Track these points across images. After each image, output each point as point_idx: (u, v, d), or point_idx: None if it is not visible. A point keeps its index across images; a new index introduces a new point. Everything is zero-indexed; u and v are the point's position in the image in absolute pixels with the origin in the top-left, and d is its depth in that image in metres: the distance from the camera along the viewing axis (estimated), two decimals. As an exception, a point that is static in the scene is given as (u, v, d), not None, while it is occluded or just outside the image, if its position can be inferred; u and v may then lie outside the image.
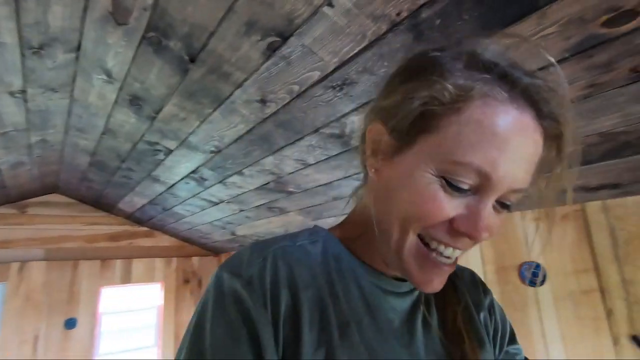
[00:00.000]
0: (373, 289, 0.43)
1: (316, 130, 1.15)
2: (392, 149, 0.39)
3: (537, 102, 0.34)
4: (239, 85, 1.03)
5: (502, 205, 0.37)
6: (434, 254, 0.37)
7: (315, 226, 0.48)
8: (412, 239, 0.37)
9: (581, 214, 1.17)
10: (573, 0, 0.59)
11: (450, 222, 0.35)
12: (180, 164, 1.68)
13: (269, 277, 0.37)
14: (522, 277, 1.27)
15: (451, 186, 0.34)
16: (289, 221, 2.05)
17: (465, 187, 0.34)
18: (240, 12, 0.78)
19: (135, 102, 1.25)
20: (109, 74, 1.12)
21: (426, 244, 0.38)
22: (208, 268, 3.33)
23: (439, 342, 0.44)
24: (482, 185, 0.34)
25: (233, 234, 2.60)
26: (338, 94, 0.96)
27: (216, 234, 2.73)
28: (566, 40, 0.66)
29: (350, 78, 0.90)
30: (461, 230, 0.35)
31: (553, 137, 0.36)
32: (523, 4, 0.62)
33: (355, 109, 1.00)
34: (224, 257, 3.32)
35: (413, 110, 0.36)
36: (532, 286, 1.25)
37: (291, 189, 1.64)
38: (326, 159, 1.30)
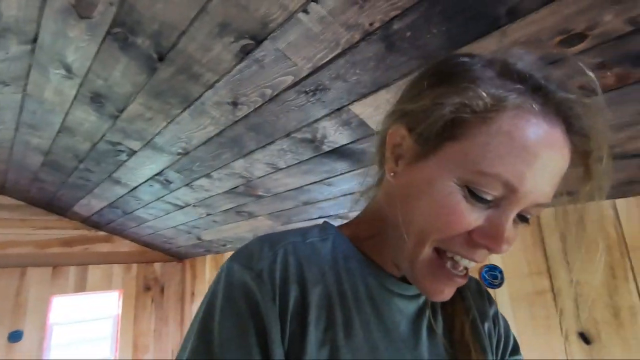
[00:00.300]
0: (381, 290, 0.42)
1: (288, 135, 1.14)
2: (415, 154, 0.38)
3: (569, 117, 0.34)
4: (210, 87, 1.01)
5: (521, 218, 0.36)
6: (449, 264, 0.37)
7: (325, 222, 0.48)
8: (427, 251, 0.37)
9: (536, 219, 1.25)
10: (530, 21, 0.64)
11: (469, 233, 0.34)
12: (144, 166, 1.61)
13: (279, 272, 0.37)
14: (483, 279, 1.33)
15: (474, 196, 0.33)
16: (258, 226, 2.02)
17: (489, 198, 0.33)
18: (213, 13, 0.77)
19: (96, 99, 1.18)
20: (68, 68, 1.06)
21: (442, 252, 0.37)
22: (171, 274, 3.20)
23: (442, 349, 0.44)
24: (507, 197, 0.33)
25: (199, 238, 2.52)
26: (311, 99, 0.97)
27: (181, 238, 2.63)
28: (524, 57, 0.71)
29: (323, 84, 0.91)
30: (481, 243, 0.34)
31: (582, 153, 0.35)
32: (486, 22, 0.66)
33: (328, 115, 1.01)
34: (188, 263, 3.20)
35: (443, 116, 0.34)
36: (491, 288, 1.31)
37: (261, 193, 1.62)
38: (297, 163, 1.30)
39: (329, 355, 0.35)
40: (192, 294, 3.07)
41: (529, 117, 0.32)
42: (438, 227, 0.35)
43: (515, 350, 0.52)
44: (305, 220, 1.82)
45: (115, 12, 0.82)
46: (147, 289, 3.03)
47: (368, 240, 0.45)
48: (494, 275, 1.31)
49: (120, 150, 1.52)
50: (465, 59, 0.37)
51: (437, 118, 0.35)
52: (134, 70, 1.00)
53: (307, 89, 0.93)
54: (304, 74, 0.89)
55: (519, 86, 0.33)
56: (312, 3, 0.70)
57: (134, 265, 3.00)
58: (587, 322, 1.10)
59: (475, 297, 0.52)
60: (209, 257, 2.94)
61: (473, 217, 0.34)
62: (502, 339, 0.51)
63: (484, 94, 0.33)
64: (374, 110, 0.95)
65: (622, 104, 0.77)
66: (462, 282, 0.38)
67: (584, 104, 0.34)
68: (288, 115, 1.05)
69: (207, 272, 2.93)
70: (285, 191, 1.55)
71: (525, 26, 0.65)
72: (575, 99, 0.34)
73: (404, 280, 0.44)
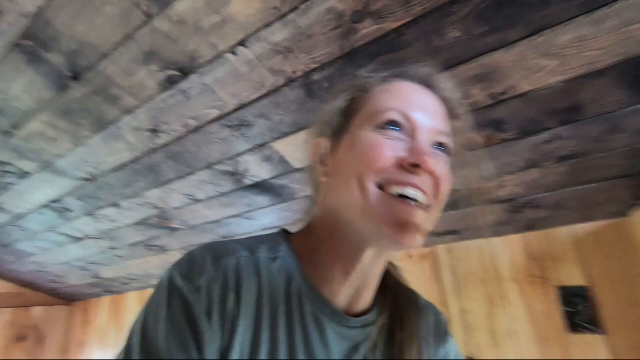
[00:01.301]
0: (317, 319, 0.42)
1: (209, 166, 1.15)
2: (334, 145, 0.46)
3: (433, 84, 0.46)
4: (129, 112, 0.98)
5: (439, 146, 0.43)
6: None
7: (280, 234, 0.48)
8: (372, 189, 0.39)
9: (432, 255, 1.41)
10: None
11: (401, 163, 0.39)
12: (38, 191, 1.42)
13: (219, 289, 0.37)
14: (389, 312, 1.43)
15: (387, 129, 0.41)
16: (169, 260, 1.89)
17: (397, 125, 0.41)
18: (141, 41, 0.78)
19: (-13, 112, 1.05)
20: (-46, 75, 0.93)
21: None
22: (55, 320, 2.72)
23: None
24: (410, 128, 0.41)
25: (97, 276, 2.23)
26: (234, 134, 1.00)
27: (73, 276, 2.30)
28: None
29: (247, 120, 0.95)
30: (411, 161, 0.39)
31: (449, 112, 0.46)
32: (389, 83, 0.79)
33: (250, 150, 1.05)
34: (79, 307, 2.77)
35: (342, 104, 0.46)
36: (396, 319, 1.41)
37: (176, 225, 1.54)
38: (217, 195, 1.29)
39: None
40: (81, 343, 2.64)
41: (401, 82, 0.45)
42: (370, 162, 0.40)
43: None
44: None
45: (28, 24, 0.77)
46: (22, 339, 2.52)
47: (314, 257, 0.45)
48: (400, 308, 1.41)
49: (7, 172, 1.33)
50: None
51: (338, 107, 0.46)
52: (40, 86, 0.93)
53: (232, 124, 0.97)
54: (230, 109, 0.92)
55: (393, 68, 0.46)
56: (241, 47, 0.76)
57: (6, 311, 2.49)
58: (473, 347, 1.24)
59: (430, 335, 0.52)
60: (107, 298, 2.60)
61: (395, 146, 0.40)
62: None
63: (364, 73, 0.47)
64: (294, 148, 1.02)
65: (491, 160, 0.96)
66: (420, 213, 0.39)
67: (443, 78, 0.47)
68: (211, 147, 1.07)
69: (104, 316, 2.56)
70: (203, 224, 1.51)
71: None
72: (435, 72, 0.47)
73: (346, 313, 0.45)
